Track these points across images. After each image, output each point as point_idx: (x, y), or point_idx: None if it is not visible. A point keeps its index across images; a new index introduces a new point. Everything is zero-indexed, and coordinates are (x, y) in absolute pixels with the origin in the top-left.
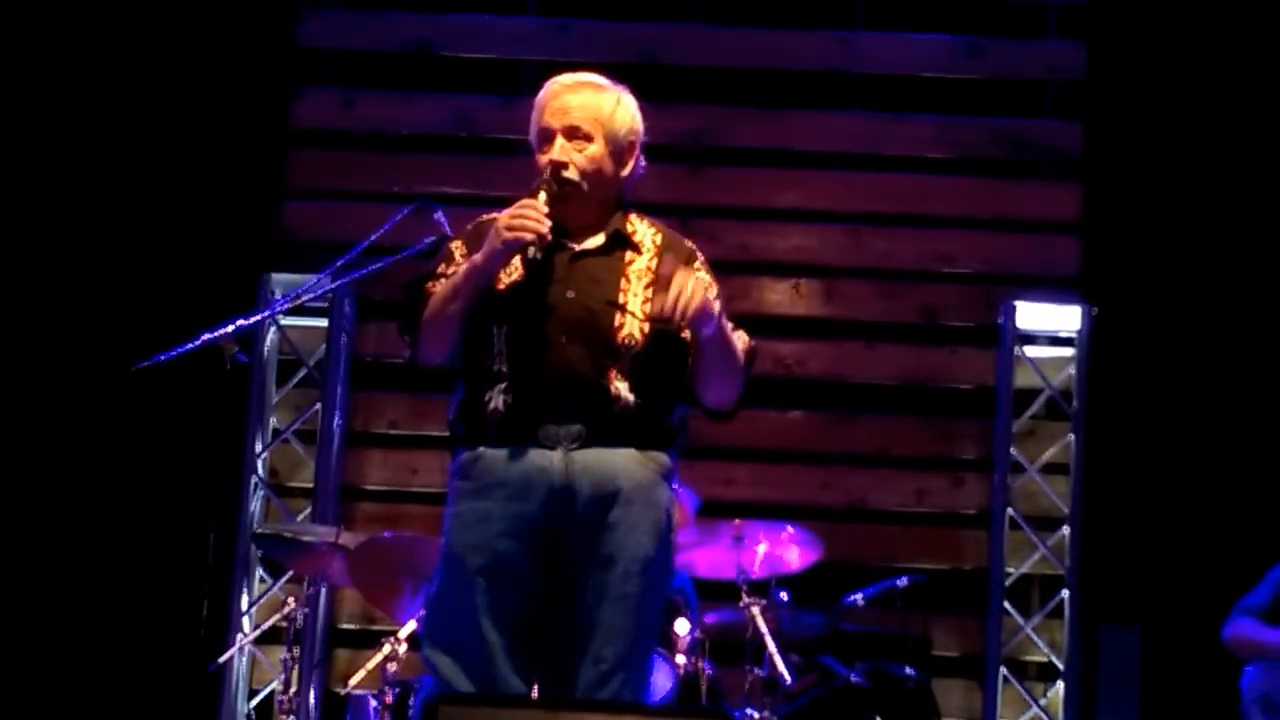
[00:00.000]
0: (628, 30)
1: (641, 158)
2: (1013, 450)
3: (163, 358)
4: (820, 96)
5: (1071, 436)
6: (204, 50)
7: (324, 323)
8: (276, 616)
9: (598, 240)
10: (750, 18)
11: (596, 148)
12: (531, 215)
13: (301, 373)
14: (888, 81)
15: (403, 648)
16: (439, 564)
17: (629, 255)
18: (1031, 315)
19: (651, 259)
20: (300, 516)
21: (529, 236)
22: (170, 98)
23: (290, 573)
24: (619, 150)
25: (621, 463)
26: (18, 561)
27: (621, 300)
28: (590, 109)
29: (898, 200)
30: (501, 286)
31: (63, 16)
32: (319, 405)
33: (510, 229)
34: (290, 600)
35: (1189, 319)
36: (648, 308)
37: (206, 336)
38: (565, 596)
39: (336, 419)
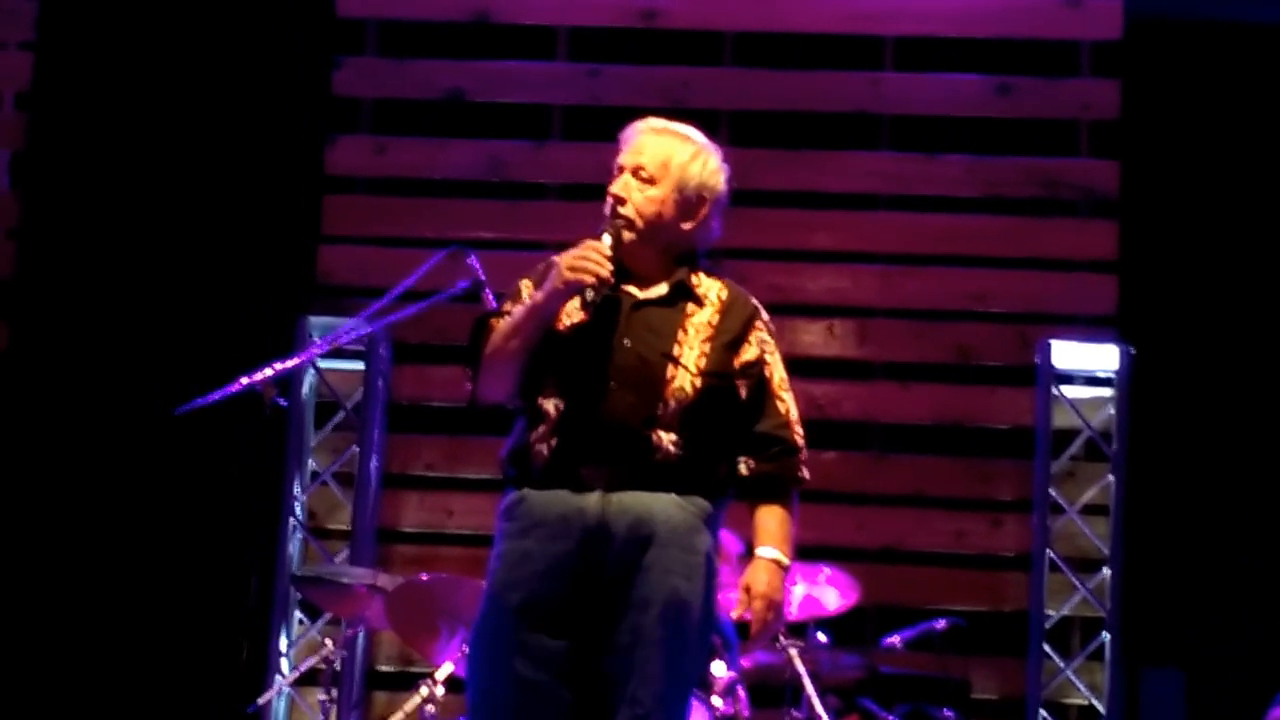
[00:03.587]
0: (658, 74)
1: (715, 217)
2: (1052, 491)
3: (202, 401)
4: (851, 137)
5: (1111, 477)
6: (240, 98)
7: (361, 366)
8: (315, 658)
9: (660, 290)
10: (780, 60)
11: (659, 191)
12: (593, 257)
13: (339, 415)
14: (919, 122)
15: (440, 690)
16: (482, 603)
17: (690, 308)
18: (1068, 355)
19: (714, 314)
20: (338, 559)
21: (588, 279)
22: (207, 144)
23: (328, 615)
24: (686, 200)
25: (658, 505)
26: (59, 603)
27: (677, 352)
28: (663, 153)
29: (931, 240)
30: (562, 328)
31: (101, 65)
32: (356, 448)
33: (571, 269)
34: (328, 642)
35: (1227, 357)
36: (703, 362)
37: (246, 380)
38: (601, 638)
39: (373, 461)
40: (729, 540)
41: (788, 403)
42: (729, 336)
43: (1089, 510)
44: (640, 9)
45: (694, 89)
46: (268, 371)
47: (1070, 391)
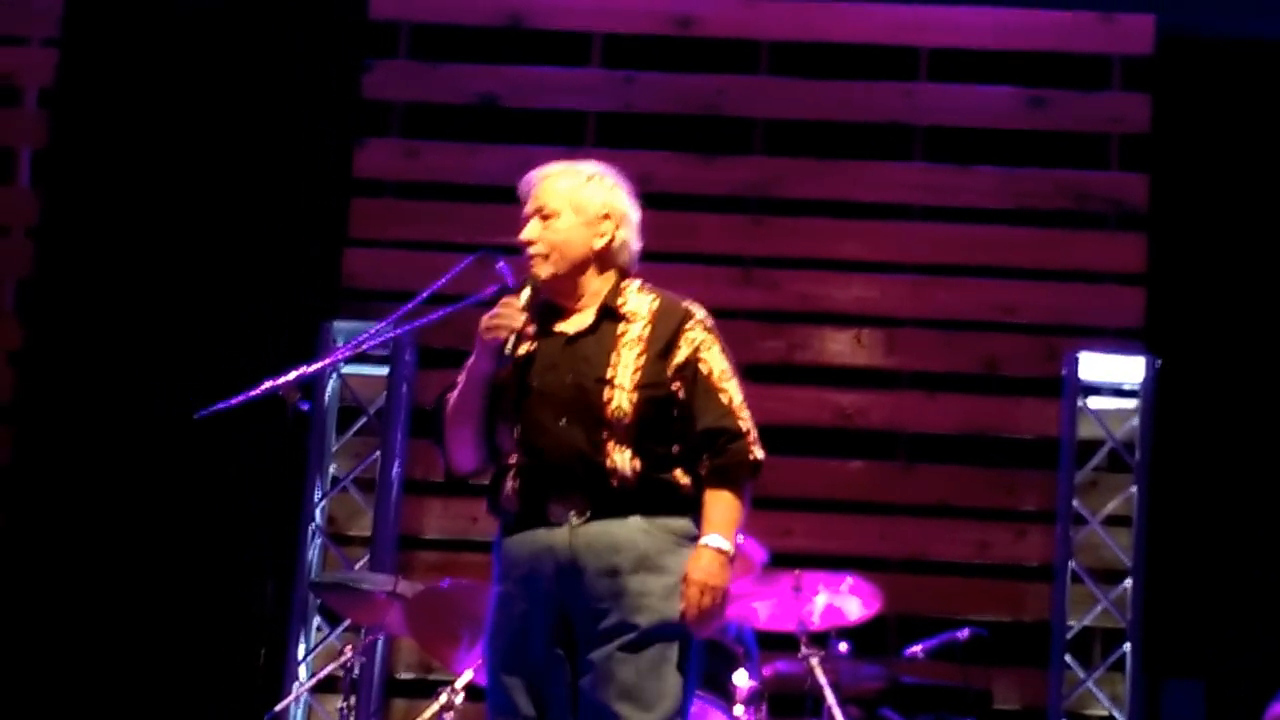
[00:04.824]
0: (691, 82)
1: (626, 229)
2: (1075, 502)
3: (224, 405)
4: (883, 147)
5: (1134, 489)
6: (269, 98)
7: (385, 371)
8: (333, 665)
9: (587, 320)
10: (814, 69)
11: (563, 221)
12: (504, 312)
13: (362, 421)
14: (951, 133)
15: (459, 698)
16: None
17: (620, 327)
18: (1095, 366)
19: (644, 328)
20: (358, 565)
21: (504, 334)
22: (233, 144)
23: (348, 621)
24: (591, 221)
25: (625, 534)
26: (77, 606)
27: (610, 375)
28: (558, 189)
29: (961, 251)
30: (505, 382)
31: (126, 62)
32: (378, 453)
33: (487, 329)
34: (347, 649)
35: (1253, 370)
36: (637, 376)
37: (269, 384)
38: (589, 670)
39: (395, 467)
40: (753, 549)
41: (729, 391)
42: (660, 345)
43: (1112, 521)
44: (676, 16)
45: (728, 97)
46: (291, 375)
47: (1095, 403)
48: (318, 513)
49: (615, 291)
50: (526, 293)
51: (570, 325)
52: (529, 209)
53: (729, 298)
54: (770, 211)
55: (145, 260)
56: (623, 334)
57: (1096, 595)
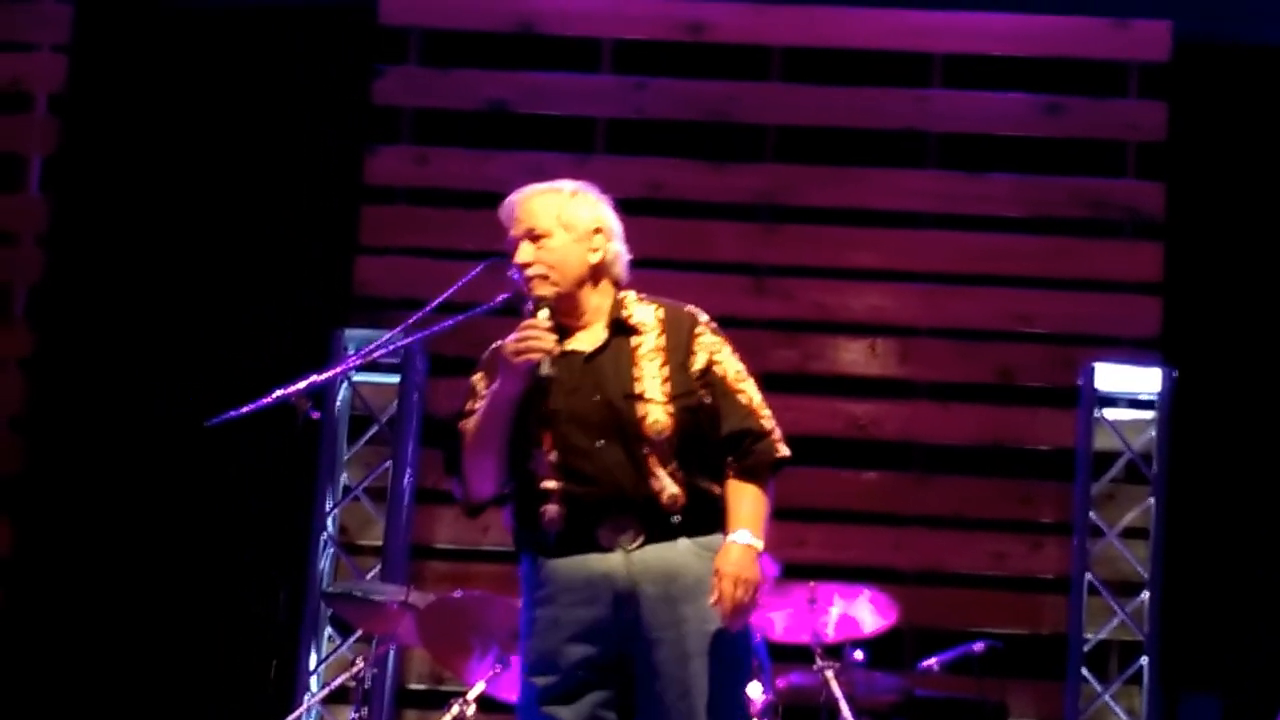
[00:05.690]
0: (703, 88)
1: (615, 243)
2: (1092, 514)
3: (235, 414)
4: (897, 155)
5: (1151, 500)
6: (279, 106)
7: (396, 379)
8: (345, 676)
9: (600, 336)
10: (826, 75)
11: (556, 240)
12: (532, 334)
13: (373, 429)
14: (965, 140)
15: (471, 709)
16: (521, 666)
17: (634, 340)
18: (1111, 377)
19: (658, 337)
20: (370, 575)
21: (537, 356)
22: (244, 151)
23: (359, 632)
24: (582, 237)
25: (680, 559)
26: (87, 615)
27: (639, 389)
28: (543, 209)
29: (975, 259)
30: (528, 405)
31: (137, 69)
32: (390, 462)
33: (517, 353)
34: (359, 660)
35: (1272, 381)
36: (667, 388)
37: (279, 393)
38: (643, 697)
39: (407, 476)
40: (766, 562)
41: (748, 391)
42: (679, 354)
43: (1129, 533)
44: (687, 22)
45: (740, 104)
46: (301, 384)
47: (1112, 414)
48: (329, 522)
49: (618, 304)
50: (544, 314)
51: (582, 343)
52: (516, 232)
53: (741, 307)
54: (783, 219)
55: (155, 267)
56: (637, 346)
57: (1113, 608)
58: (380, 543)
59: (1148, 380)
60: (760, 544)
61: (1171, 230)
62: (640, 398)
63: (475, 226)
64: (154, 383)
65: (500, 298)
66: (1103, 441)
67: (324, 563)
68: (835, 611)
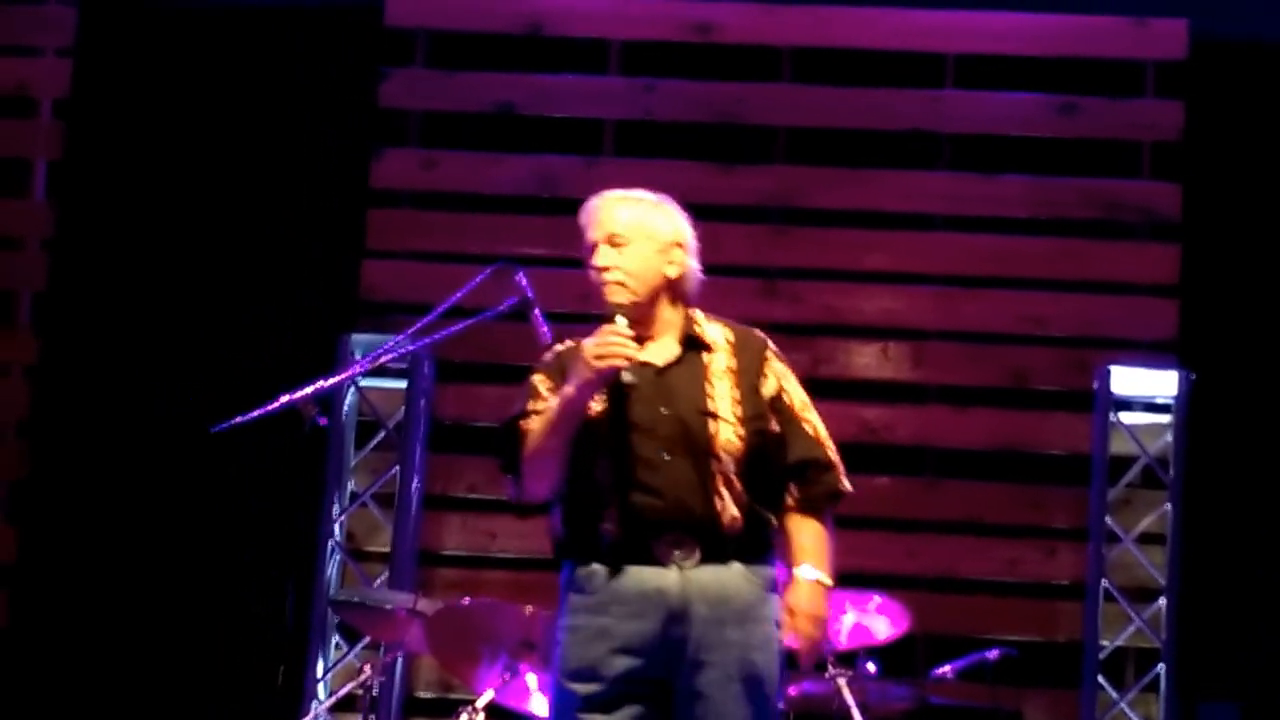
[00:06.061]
0: (712, 89)
1: (692, 259)
2: (1108, 519)
3: (240, 420)
4: (909, 156)
5: (1168, 506)
6: (284, 108)
7: (403, 384)
8: (352, 684)
9: (674, 349)
10: (836, 76)
11: (637, 248)
12: (616, 341)
13: (380, 435)
14: (978, 141)
15: (480, 717)
16: (553, 676)
17: (705, 358)
18: (1127, 380)
19: (729, 358)
20: (377, 582)
21: (620, 363)
22: (249, 155)
23: (367, 639)
24: (664, 249)
25: (733, 582)
26: (93, 623)
27: (712, 407)
28: (627, 216)
29: (988, 261)
30: (595, 412)
31: (142, 73)
32: (397, 468)
33: (599, 357)
34: (366, 668)
35: None
36: (739, 410)
37: (286, 399)
38: (683, 714)
39: (415, 482)
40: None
41: (813, 422)
42: (751, 377)
43: (1145, 539)
44: (696, 23)
45: (749, 105)
46: (308, 390)
47: (1128, 418)
48: (336, 529)
49: (689, 320)
50: (623, 321)
51: (653, 355)
52: (596, 235)
53: (752, 310)
54: (793, 222)
55: (161, 272)
56: (709, 364)
57: (1130, 614)
58: (388, 549)
59: (1164, 383)
60: (829, 580)
61: (1188, 231)
62: (714, 415)
63: (483, 230)
64: (159, 388)
65: (508, 302)
66: (1118, 446)
67: (331, 569)
68: (848, 619)
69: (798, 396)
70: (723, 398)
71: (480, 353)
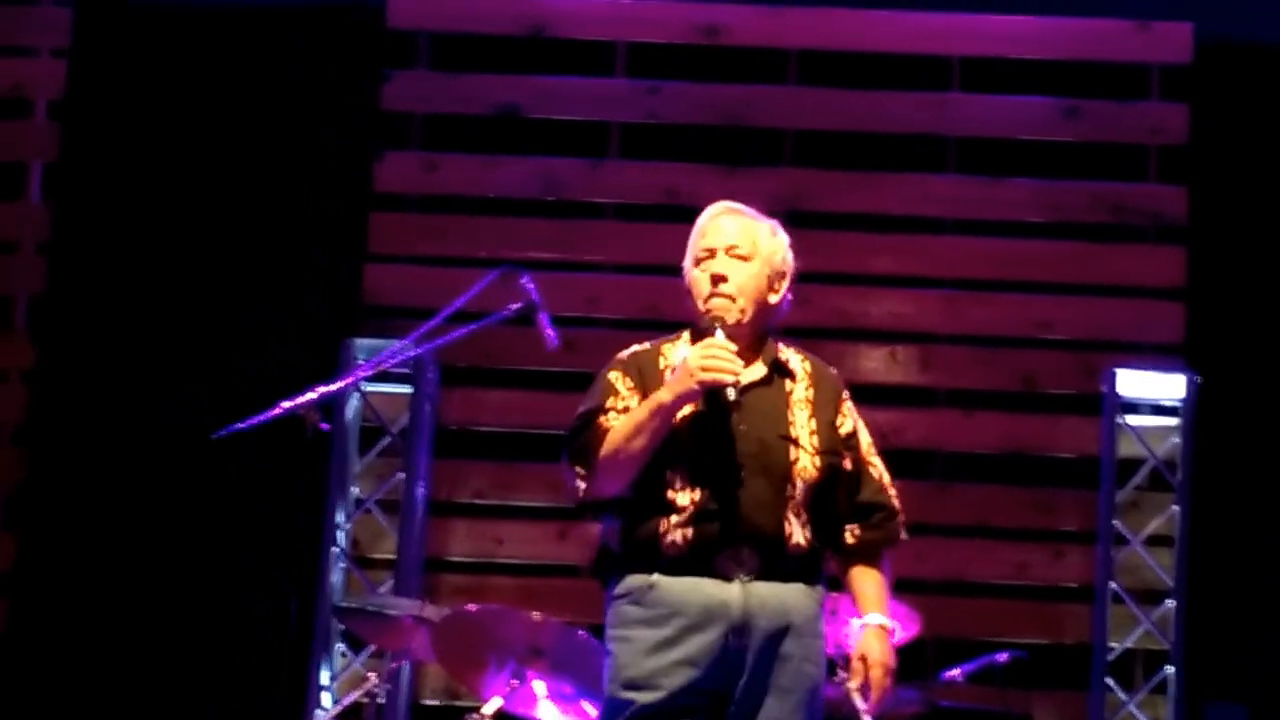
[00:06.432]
0: (718, 92)
1: (789, 293)
2: (1115, 522)
3: (242, 426)
4: (916, 159)
5: (1176, 508)
6: (285, 110)
7: (408, 389)
8: (358, 692)
9: (760, 370)
10: (843, 79)
11: (754, 267)
12: (724, 355)
13: (385, 440)
14: (985, 144)
15: None
16: (607, 686)
17: (788, 384)
18: (1134, 383)
19: (808, 389)
20: (382, 589)
21: (726, 378)
22: (249, 157)
23: (372, 647)
24: (775, 274)
25: (793, 598)
26: (95, 632)
27: (793, 433)
28: (749, 232)
29: (996, 265)
30: (678, 421)
31: (138, 73)
32: (402, 474)
33: (705, 369)
34: (372, 675)
35: None
36: (816, 440)
37: (288, 404)
38: None
39: (420, 488)
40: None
41: (879, 467)
42: (827, 412)
43: (1153, 541)
44: (702, 25)
45: (756, 108)
46: (310, 395)
47: (1135, 420)
48: (340, 535)
49: (775, 347)
50: (721, 335)
51: (743, 375)
52: (715, 243)
53: None
54: (799, 225)
55: (160, 275)
56: (790, 392)
57: (1138, 616)
58: (393, 556)
59: (1171, 386)
60: (893, 626)
61: (1194, 234)
62: (794, 441)
63: (487, 234)
64: (159, 393)
65: (513, 306)
66: (1126, 448)
67: (335, 577)
68: (857, 623)
69: (866, 439)
70: (801, 426)
71: (485, 357)
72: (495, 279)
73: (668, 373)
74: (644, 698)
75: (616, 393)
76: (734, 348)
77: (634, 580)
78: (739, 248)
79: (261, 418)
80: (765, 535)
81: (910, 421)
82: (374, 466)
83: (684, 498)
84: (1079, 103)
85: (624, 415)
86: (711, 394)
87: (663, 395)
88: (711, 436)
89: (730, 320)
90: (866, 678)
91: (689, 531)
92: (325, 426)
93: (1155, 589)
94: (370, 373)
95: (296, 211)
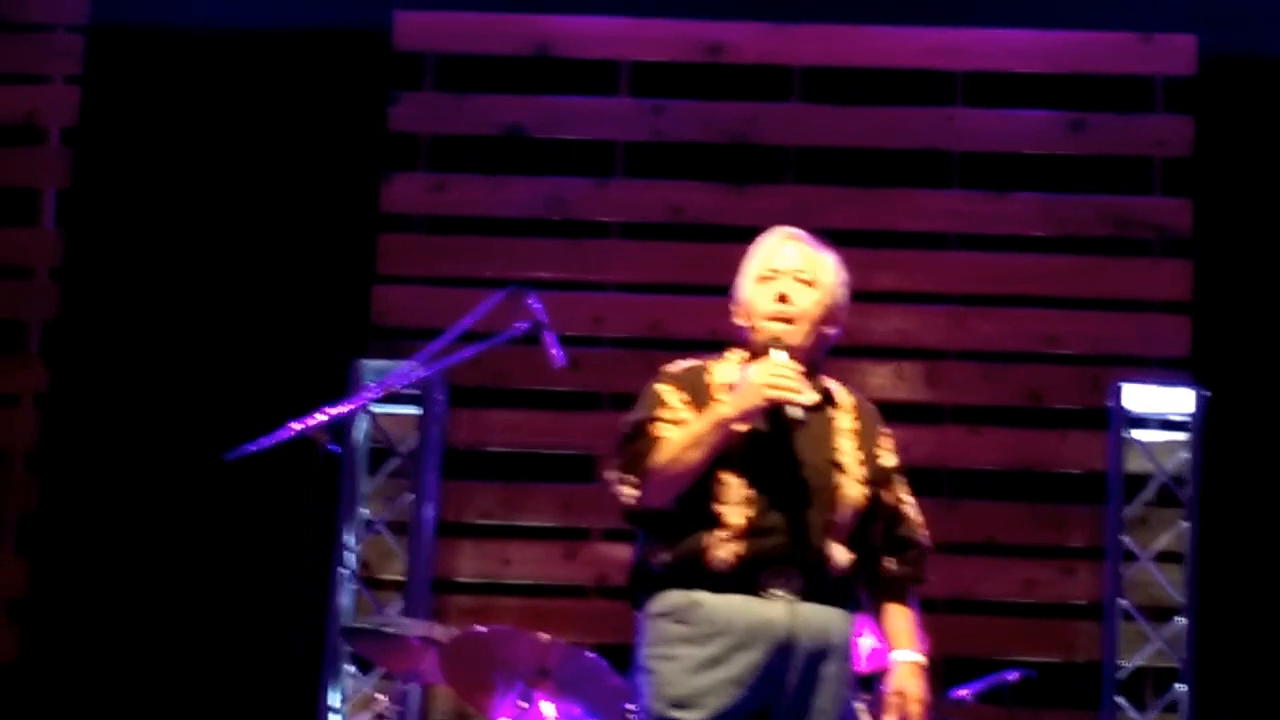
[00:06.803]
0: (722, 110)
1: (838, 330)
2: (1124, 538)
3: (252, 448)
4: (920, 174)
5: (1185, 523)
6: (293, 133)
7: (416, 410)
8: (367, 714)
9: (813, 397)
10: (847, 95)
11: (818, 294)
12: (790, 375)
13: (393, 462)
14: (989, 159)
15: None
16: (650, 705)
17: (837, 414)
18: (1141, 398)
19: (851, 419)
20: (391, 610)
21: (793, 397)
22: (258, 181)
23: (381, 669)
24: (834, 306)
25: (834, 620)
26: (106, 657)
27: (841, 460)
28: (814, 260)
29: (1001, 280)
30: (733, 444)
31: (150, 99)
32: (410, 495)
33: (772, 387)
34: (381, 697)
35: None
36: (862, 469)
37: (297, 426)
38: None
39: (428, 509)
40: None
41: (912, 502)
42: (870, 443)
43: (1163, 557)
44: (706, 43)
45: (760, 125)
46: (320, 417)
47: (1143, 435)
48: (349, 557)
49: (821, 375)
50: (784, 356)
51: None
52: (785, 266)
53: None
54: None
55: (170, 299)
56: (836, 419)
57: (1148, 634)
58: (402, 577)
59: (1179, 401)
60: (925, 662)
61: (1200, 247)
62: (842, 468)
63: (494, 254)
64: (170, 417)
65: (520, 326)
66: (1134, 464)
67: (344, 598)
68: (866, 642)
69: (900, 475)
70: (848, 454)
71: (492, 377)
72: (502, 299)
73: (717, 389)
74: (691, 716)
75: (665, 404)
76: (799, 368)
77: (676, 597)
78: (805, 273)
79: (272, 439)
80: (812, 557)
81: (916, 438)
82: (383, 487)
83: (735, 514)
84: (1083, 116)
85: (677, 426)
86: (771, 413)
87: (725, 409)
88: (767, 455)
89: (790, 342)
90: (904, 712)
91: (738, 548)
92: (334, 448)
93: (1165, 606)
94: (379, 394)
95: (305, 234)
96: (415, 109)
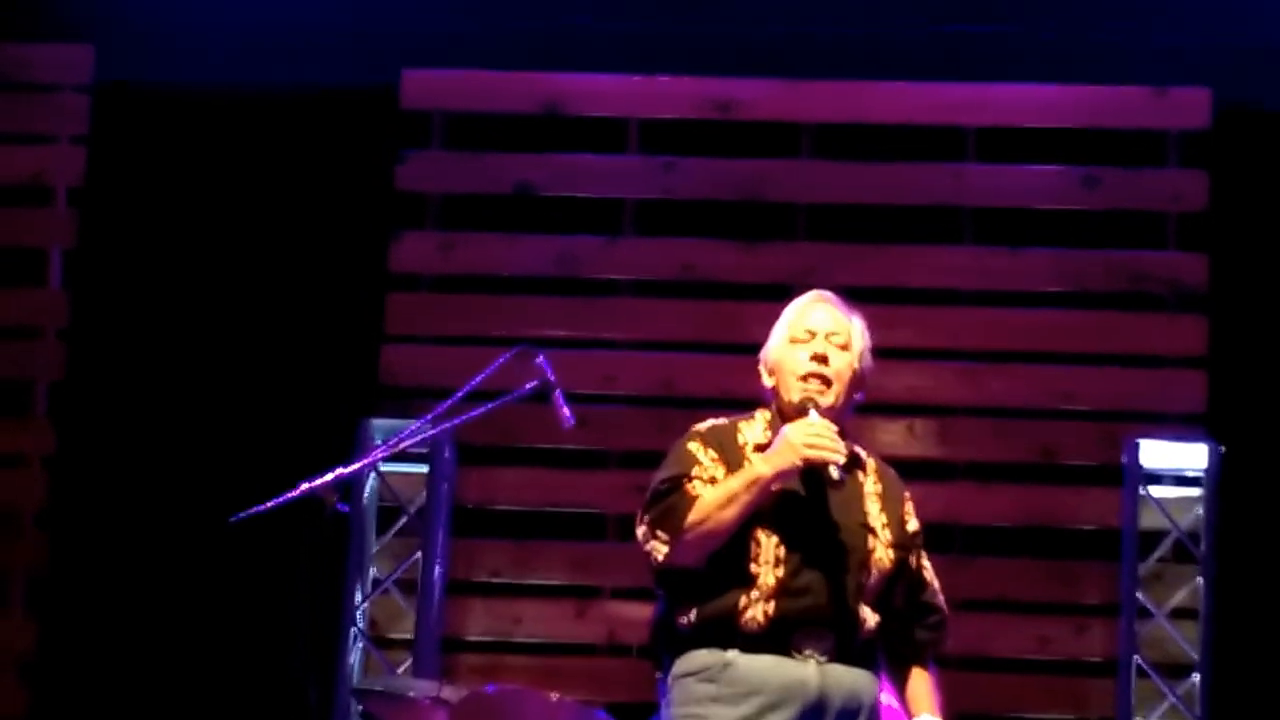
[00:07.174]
0: (733, 167)
1: (861, 397)
2: (1139, 595)
3: (260, 508)
4: (931, 231)
5: (1200, 580)
6: (301, 193)
7: (424, 469)
8: None
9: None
10: (857, 151)
11: (851, 357)
12: (829, 436)
13: (402, 520)
14: (1001, 214)
15: None
16: None
17: (862, 476)
18: (1156, 454)
19: (875, 483)
20: (400, 669)
21: (832, 456)
22: (266, 241)
23: None
24: (862, 371)
25: (863, 682)
26: (113, 715)
27: (871, 522)
28: (848, 325)
29: (1014, 336)
30: (767, 505)
31: (157, 159)
32: (419, 554)
33: (811, 446)
34: None
35: None
36: (889, 533)
37: (306, 486)
38: None
39: (437, 568)
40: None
41: (931, 569)
42: (896, 507)
43: (1177, 614)
44: (715, 100)
45: (770, 182)
46: (328, 476)
47: (1158, 491)
48: (358, 616)
49: (848, 439)
50: (816, 416)
51: None
52: (817, 326)
53: None
54: None
55: (179, 360)
56: (863, 483)
57: (1163, 691)
58: (411, 636)
59: (1194, 457)
60: None
61: (1215, 303)
62: (872, 531)
63: (503, 313)
64: (178, 478)
65: (529, 385)
66: (1148, 520)
67: (354, 658)
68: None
69: (921, 541)
70: (876, 517)
71: (501, 436)
72: (511, 358)
73: (748, 449)
74: None
75: (697, 462)
76: (836, 429)
77: (705, 656)
78: (839, 336)
79: (280, 499)
80: (843, 619)
81: (929, 495)
82: (391, 546)
83: (768, 573)
84: (1096, 171)
85: (710, 484)
86: (805, 473)
87: (761, 468)
88: (800, 515)
89: (823, 404)
90: None
91: (770, 607)
92: (343, 507)
93: (1180, 663)
94: (387, 453)
95: (313, 293)
96: (424, 168)
